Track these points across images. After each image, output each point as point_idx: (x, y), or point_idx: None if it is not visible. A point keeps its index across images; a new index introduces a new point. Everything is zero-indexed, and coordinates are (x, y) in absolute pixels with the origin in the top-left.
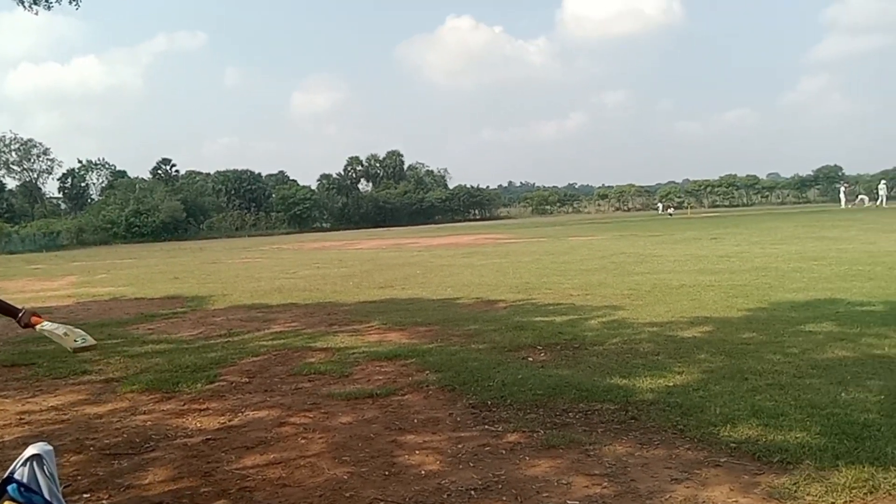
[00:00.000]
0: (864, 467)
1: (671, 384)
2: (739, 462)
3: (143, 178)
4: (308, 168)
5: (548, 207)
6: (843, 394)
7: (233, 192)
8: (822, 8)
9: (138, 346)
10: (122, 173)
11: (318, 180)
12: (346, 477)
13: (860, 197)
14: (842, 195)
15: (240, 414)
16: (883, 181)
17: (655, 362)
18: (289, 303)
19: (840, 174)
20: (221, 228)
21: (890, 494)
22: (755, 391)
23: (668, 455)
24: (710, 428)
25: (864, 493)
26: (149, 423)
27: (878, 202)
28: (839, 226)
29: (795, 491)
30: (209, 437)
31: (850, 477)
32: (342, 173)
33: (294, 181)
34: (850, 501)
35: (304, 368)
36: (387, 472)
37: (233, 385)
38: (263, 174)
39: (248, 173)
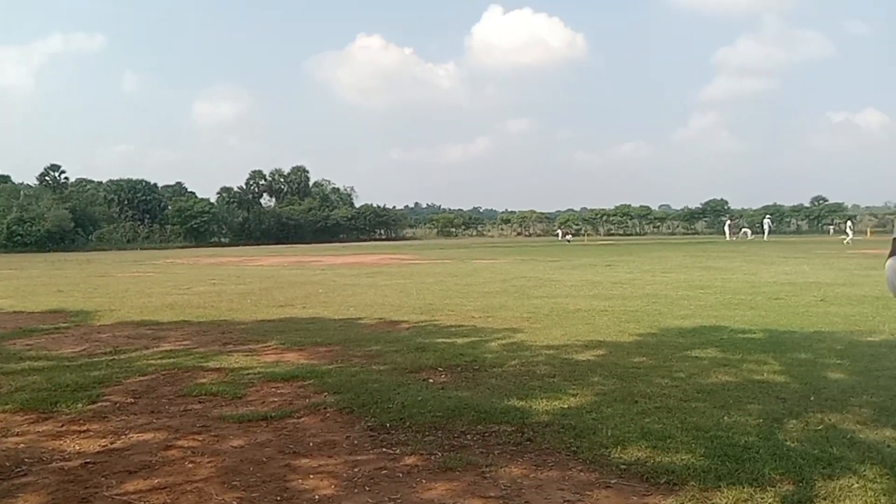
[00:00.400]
0: (743, 488)
1: (566, 406)
2: (629, 483)
3: (28, 185)
4: (208, 180)
5: (453, 230)
6: (725, 417)
7: (126, 202)
8: (714, 50)
9: (14, 362)
10: (6, 178)
11: (217, 193)
12: (235, 503)
13: (744, 230)
14: (726, 228)
15: (123, 436)
16: (768, 216)
17: (551, 384)
18: (181, 320)
19: (726, 208)
20: (112, 240)
21: None
22: (644, 414)
23: (562, 476)
24: (602, 450)
25: None
26: (21, 445)
27: (763, 235)
28: (724, 257)
29: None
30: (88, 460)
31: (731, 497)
32: (244, 187)
33: (192, 193)
34: None
35: (195, 389)
36: (279, 498)
37: (117, 405)
38: (160, 185)
39: (144, 183)
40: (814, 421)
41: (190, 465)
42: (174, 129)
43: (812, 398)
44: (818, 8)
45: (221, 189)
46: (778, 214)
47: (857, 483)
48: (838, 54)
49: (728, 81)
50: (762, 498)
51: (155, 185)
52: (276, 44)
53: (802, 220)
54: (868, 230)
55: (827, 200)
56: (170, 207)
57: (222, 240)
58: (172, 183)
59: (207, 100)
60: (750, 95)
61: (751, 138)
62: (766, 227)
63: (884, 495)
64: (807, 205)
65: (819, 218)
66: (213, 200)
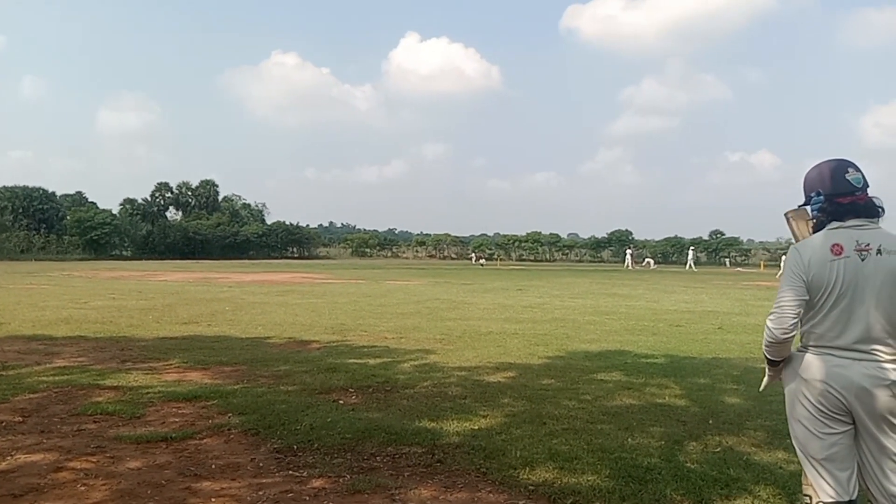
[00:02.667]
0: None
1: (476, 427)
2: None
3: None
4: (111, 191)
5: (367, 250)
6: (629, 439)
7: (21, 210)
8: (621, 88)
9: None
10: None
11: (121, 205)
12: None
13: (647, 260)
14: (628, 257)
15: (9, 457)
16: (692, 248)
17: (462, 406)
18: (77, 335)
19: (630, 238)
20: (4, 250)
21: None
22: (552, 435)
23: (471, 498)
24: (511, 471)
25: None
26: None
27: (686, 266)
28: (628, 284)
29: None
30: None
31: None
32: (149, 199)
33: (93, 203)
34: None
35: (90, 408)
36: None
37: (3, 425)
38: (59, 193)
39: (41, 191)
40: (712, 443)
41: (82, 488)
42: (76, 136)
43: (710, 421)
44: (718, 55)
45: (125, 200)
46: (678, 246)
47: (753, 503)
48: (735, 98)
49: (633, 119)
50: None
51: (53, 193)
52: (187, 55)
53: (701, 252)
54: (761, 263)
55: (724, 234)
56: (68, 217)
57: (124, 253)
58: (72, 192)
59: (113, 108)
60: (653, 133)
61: (654, 173)
62: (689, 257)
63: None
64: (705, 238)
65: (717, 251)
66: (115, 212)
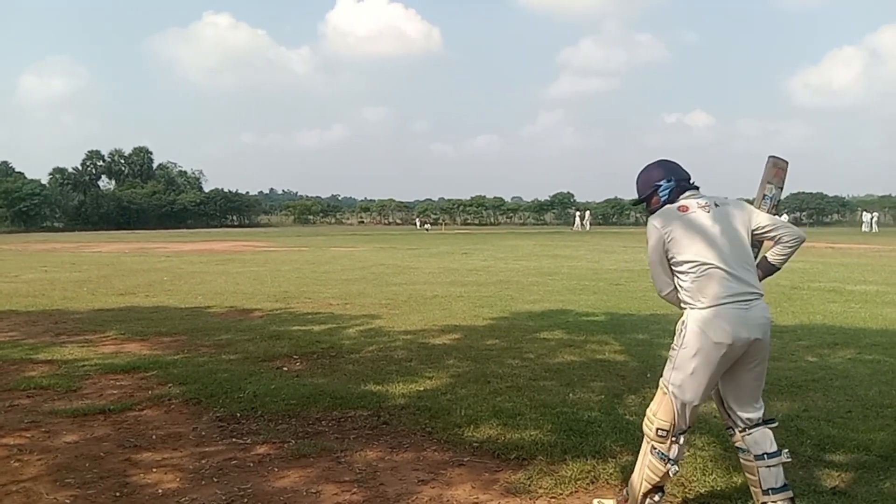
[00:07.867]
0: (587, 460)
1: (422, 389)
2: (481, 461)
3: None
4: (39, 160)
5: (311, 217)
6: (571, 394)
7: None
8: (558, 50)
9: None
10: None
11: (50, 174)
12: (68, 501)
13: (587, 221)
14: (577, 219)
15: None
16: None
17: (408, 368)
18: (7, 310)
19: (572, 200)
20: None
21: (608, 483)
22: (496, 393)
23: (417, 457)
24: (456, 429)
25: (587, 484)
26: None
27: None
28: (570, 246)
29: (529, 485)
30: None
31: (575, 469)
32: (80, 168)
33: (20, 174)
34: (575, 492)
35: (23, 383)
36: (118, 493)
37: None
38: None
39: None
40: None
41: (16, 465)
42: None
43: (648, 375)
44: (655, 16)
45: (55, 170)
46: (618, 208)
47: (688, 451)
48: (672, 59)
49: (572, 80)
50: (604, 469)
51: None
52: (115, 17)
53: (640, 213)
54: None
55: None
56: None
57: (56, 224)
58: None
59: (38, 73)
60: (593, 94)
61: (594, 135)
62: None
63: (711, 461)
64: None
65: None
66: (44, 182)
